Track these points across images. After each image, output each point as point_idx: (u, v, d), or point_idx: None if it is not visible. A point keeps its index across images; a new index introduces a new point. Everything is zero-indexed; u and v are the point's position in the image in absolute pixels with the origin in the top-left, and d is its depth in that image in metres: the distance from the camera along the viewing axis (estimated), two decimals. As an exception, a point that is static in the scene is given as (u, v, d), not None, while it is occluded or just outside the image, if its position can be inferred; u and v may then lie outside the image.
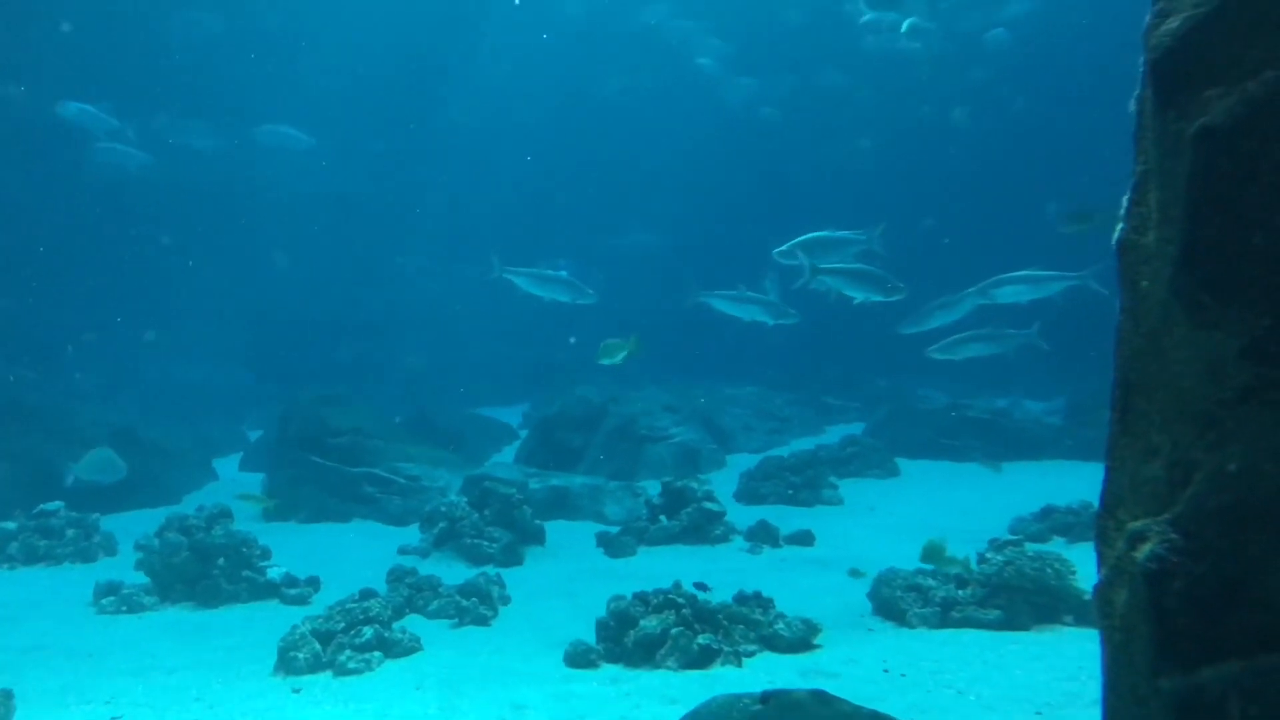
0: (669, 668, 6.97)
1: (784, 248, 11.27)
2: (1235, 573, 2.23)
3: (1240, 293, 2.22)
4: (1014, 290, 11.69)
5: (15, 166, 21.38)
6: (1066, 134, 25.41)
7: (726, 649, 7.14)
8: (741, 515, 11.62)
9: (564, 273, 13.77)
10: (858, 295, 12.10)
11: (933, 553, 8.29)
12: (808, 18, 23.60)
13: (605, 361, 10.98)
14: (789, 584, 9.05)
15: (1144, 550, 2.35)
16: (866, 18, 12.98)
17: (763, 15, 24.86)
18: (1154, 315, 2.45)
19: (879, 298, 12.13)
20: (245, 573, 9.42)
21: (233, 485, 14.78)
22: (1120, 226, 2.61)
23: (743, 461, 14.75)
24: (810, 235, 11.41)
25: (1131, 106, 2.58)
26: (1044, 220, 23.93)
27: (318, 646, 7.30)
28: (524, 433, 17.92)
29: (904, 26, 14.79)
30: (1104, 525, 2.62)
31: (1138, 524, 2.42)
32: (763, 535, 10.91)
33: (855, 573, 9.47)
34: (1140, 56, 2.45)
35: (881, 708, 5.83)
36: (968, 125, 25.31)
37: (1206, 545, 2.26)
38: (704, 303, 12.57)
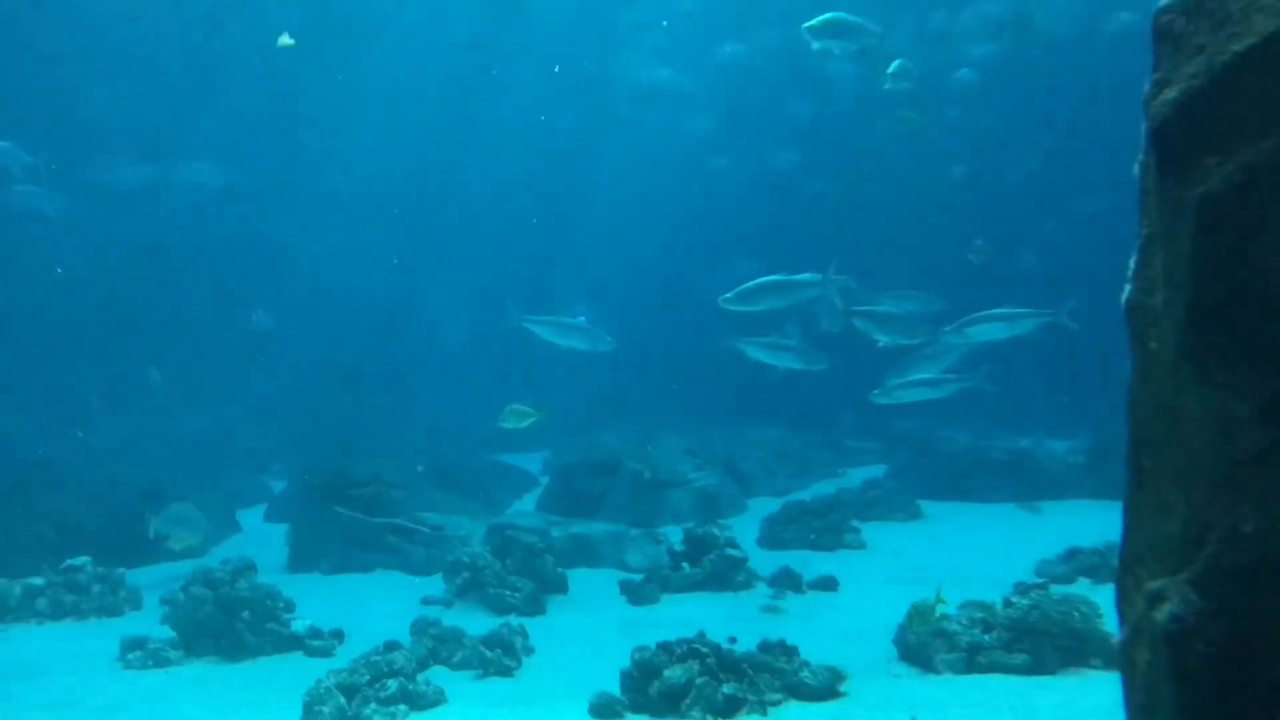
0: (694, 718, 6.95)
1: (730, 295, 11.39)
2: (1257, 633, 2.24)
3: (1248, 356, 2.26)
4: (988, 328, 11.82)
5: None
6: (1037, 174, 25.77)
7: (752, 698, 7.12)
8: (764, 561, 11.58)
9: (582, 319, 13.88)
10: (884, 338, 12.21)
11: (918, 616, 8.14)
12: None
13: (508, 425, 11.16)
14: (813, 631, 9.02)
15: (1164, 610, 2.37)
16: (816, 47, 12.77)
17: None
18: (1164, 375, 2.48)
19: (904, 340, 12.24)
20: (270, 625, 9.46)
21: (257, 537, 14.85)
22: (1128, 287, 2.65)
23: (764, 506, 14.71)
24: (763, 280, 11.53)
25: (1135, 170, 2.64)
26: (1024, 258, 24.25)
27: (342, 700, 7.31)
28: (545, 479, 17.94)
29: (891, 67, 14.57)
30: (1124, 583, 2.63)
31: (1157, 583, 2.43)
32: (786, 581, 10.88)
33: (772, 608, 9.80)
34: (1141, 123, 2.51)
35: (908, 759, 5.79)
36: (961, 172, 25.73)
37: (1227, 605, 2.27)
38: (736, 347, 12.70)
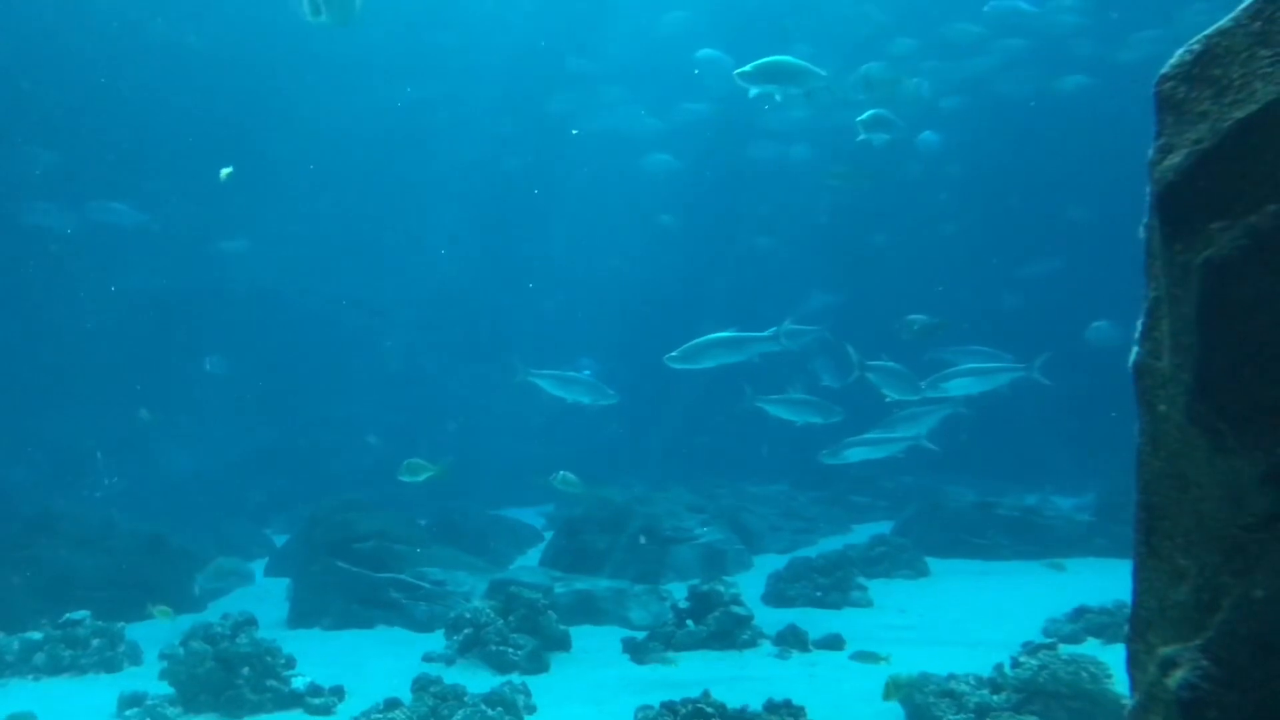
0: (698, 781, 6.84)
1: (675, 353, 11.48)
2: (1270, 701, 2.21)
3: (1256, 420, 2.25)
4: (964, 383, 12.05)
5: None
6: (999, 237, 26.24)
7: (757, 761, 7.01)
8: (769, 618, 11.46)
9: (587, 373, 13.91)
10: (892, 393, 12.34)
11: (894, 689, 8.20)
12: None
13: (406, 479, 11.26)
14: (819, 690, 8.91)
15: (1176, 677, 2.34)
16: (754, 92, 12.23)
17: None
18: (1173, 439, 2.47)
19: (911, 396, 12.37)
20: (270, 682, 9.35)
21: (259, 591, 14.74)
22: (1135, 350, 2.65)
23: (770, 562, 14.59)
24: (712, 336, 11.63)
25: (1140, 234, 2.65)
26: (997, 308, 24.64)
27: (342, 761, 7.21)
28: (548, 534, 17.84)
29: (864, 115, 13.51)
30: (1135, 649, 2.60)
31: (1169, 649, 2.40)
32: (792, 639, 10.75)
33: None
34: (1146, 187, 2.54)
35: (917, 824, 5.69)
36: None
37: (1240, 673, 2.25)
38: (759, 407, 12.94)
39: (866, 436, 13.27)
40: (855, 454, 13.16)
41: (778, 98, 12.47)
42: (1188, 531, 2.43)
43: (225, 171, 11.89)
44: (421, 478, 11.21)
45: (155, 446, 22.62)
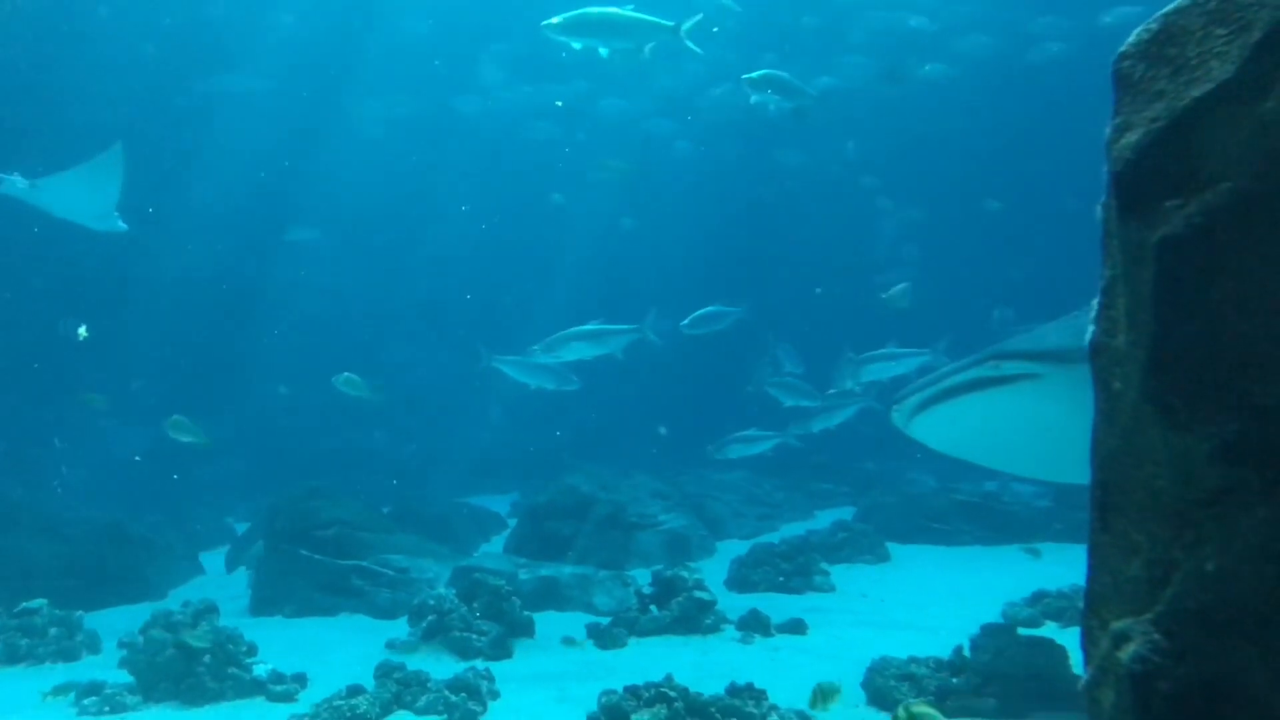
0: (661, 764, 6.86)
1: (538, 346, 11.61)
2: (1219, 673, 2.25)
3: (1208, 396, 2.29)
4: (876, 368, 12.53)
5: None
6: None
7: (720, 743, 7.04)
8: (733, 604, 11.52)
9: (550, 359, 13.96)
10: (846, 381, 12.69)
11: (821, 696, 8.25)
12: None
13: (171, 434, 11.76)
14: (782, 674, 8.96)
15: (1128, 651, 2.38)
16: (578, 45, 11.08)
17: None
18: (1127, 416, 2.51)
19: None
20: (231, 670, 9.26)
21: (220, 580, 14.63)
22: (1091, 329, 2.69)
23: (733, 548, 14.67)
24: (580, 328, 11.76)
25: (1098, 213, 2.68)
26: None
27: (304, 747, 7.17)
28: (513, 521, 17.83)
29: (753, 74, 12.16)
30: (1089, 624, 2.64)
31: (1121, 623, 2.45)
32: (754, 624, 10.81)
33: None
34: (1103, 166, 2.57)
35: (877, 804, 5.74)
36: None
37: (1189, 646, 2.29)
38: (769, 394, 13.55)
39: (743, 434, 14.49)
40: (735, 450, 14.49)
41: (603, 53, 10.77)
42: (1141, 507, 2.47)
43: (81, 331, 12.39)
44: (185, 438, 11.53)
45: (112, 434, 22.34)
